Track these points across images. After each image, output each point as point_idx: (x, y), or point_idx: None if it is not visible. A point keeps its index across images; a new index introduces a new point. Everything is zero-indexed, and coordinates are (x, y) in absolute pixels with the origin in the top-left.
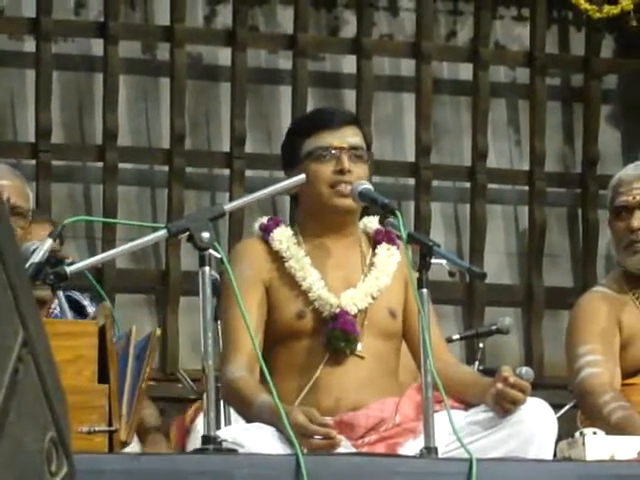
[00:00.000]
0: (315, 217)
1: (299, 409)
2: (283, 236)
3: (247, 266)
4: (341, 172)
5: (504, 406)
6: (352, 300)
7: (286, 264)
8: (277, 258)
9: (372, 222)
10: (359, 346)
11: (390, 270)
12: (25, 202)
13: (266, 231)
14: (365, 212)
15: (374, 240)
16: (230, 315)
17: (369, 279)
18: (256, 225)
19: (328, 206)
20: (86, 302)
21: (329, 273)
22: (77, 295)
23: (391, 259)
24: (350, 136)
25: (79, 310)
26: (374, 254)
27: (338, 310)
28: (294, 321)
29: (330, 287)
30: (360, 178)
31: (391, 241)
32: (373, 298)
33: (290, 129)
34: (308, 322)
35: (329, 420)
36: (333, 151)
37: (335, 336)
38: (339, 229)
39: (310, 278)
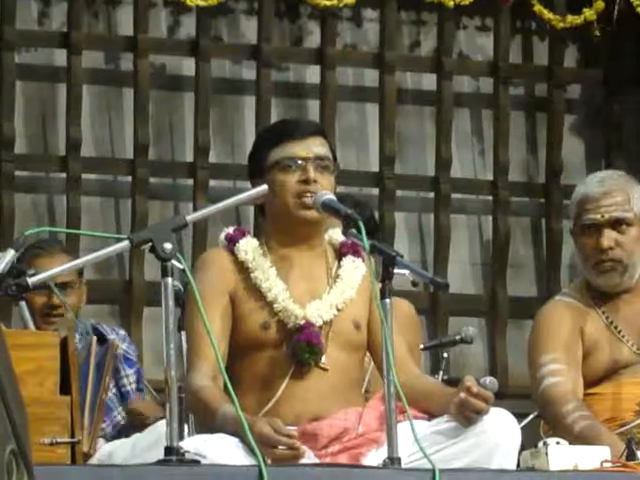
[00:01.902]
0: (281, 228)
1: (264, 419)
2: (249, 246)
3: (212, 276)
4: (306, 182)
5: (467, 416)
6: (317, 312)
7: (251, 275)
8: (243, 268)
9: (338, 234)
10: (323, 358)
11: (355, 283)
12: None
13: (232, 241)
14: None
15: (340, 252)
16: (194, 324)
17: (334, 291)
18: (222, 235)
19: (293, 217)
20: (112, 336)
21: (295, 284)
22: (104, 328)
23: (356, 271)
24: (316, 146)
25: (103, 342)
26: (339, 266)
27: (303, 322)
28: (259, 332)
29: (295, 298)
30: (325, 188)
31: (356, 253)
32: (338, 310)
33: (256, 139)
34: (273, 333)
35: (293, 430)
36: (299, 161)
37: (300, 348)
38: (304, 240)
39: (275, 289)
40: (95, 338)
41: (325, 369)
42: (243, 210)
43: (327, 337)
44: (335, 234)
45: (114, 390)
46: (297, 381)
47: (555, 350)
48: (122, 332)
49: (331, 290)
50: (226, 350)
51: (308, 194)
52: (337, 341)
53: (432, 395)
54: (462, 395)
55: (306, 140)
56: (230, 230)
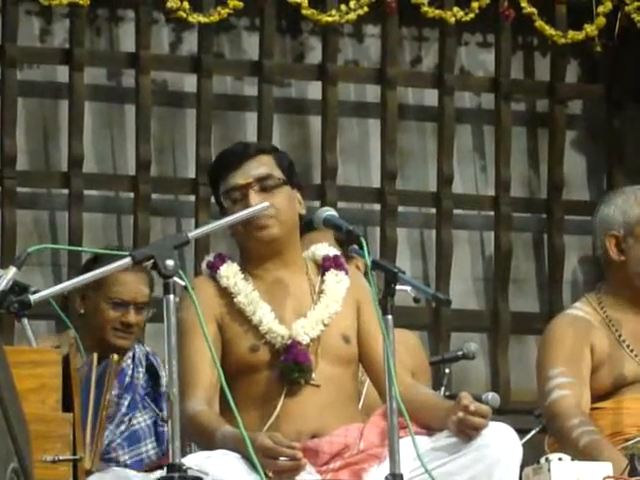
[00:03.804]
0: (249, 253)
1: (265, 433)
2: (230, 272)
3: (198, 304)
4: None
5: (467, 433)
6: (303, 329)
7: (235, 299)
8: (226, 294)
9: (320, 249)
10: (314, 375)
11: (339, 296)
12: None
13: (213, 268)
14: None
15: (322, 267)
16: (185, 353)
17: (319, 307)
18: (203, 264)
19: (253, 240)
20: (163, 373)
21: (279, 304)
22: (156, 360)
23: (340, 285)
24: (254, 169)
25: (154, 376)
26: (322, 281)
27: (290, 341)
28: (248, 355)
29: (281, 318)
30: (277, 206)
31: (339, 267)
32: (325, 325)
33: (208, 176)
34: (262, 355)
35: (295, 443)
36: (240, 190)
37: (288, 368)
38: (276, 258)
39: (260, 311)
40: (96, 355)
41: (317, 385)
42: None
43: (316, 353)
44: (317, 249)
45: (149, 422)
46: (292, 399)
47: (563, 364)
48: None
49: (316, 306)
50: (218, 376)
51: (256, 220)
52: (327, 356)
53: (429, 408)
54: (460, 414)
55: (244, 166)
56: (210, 257)
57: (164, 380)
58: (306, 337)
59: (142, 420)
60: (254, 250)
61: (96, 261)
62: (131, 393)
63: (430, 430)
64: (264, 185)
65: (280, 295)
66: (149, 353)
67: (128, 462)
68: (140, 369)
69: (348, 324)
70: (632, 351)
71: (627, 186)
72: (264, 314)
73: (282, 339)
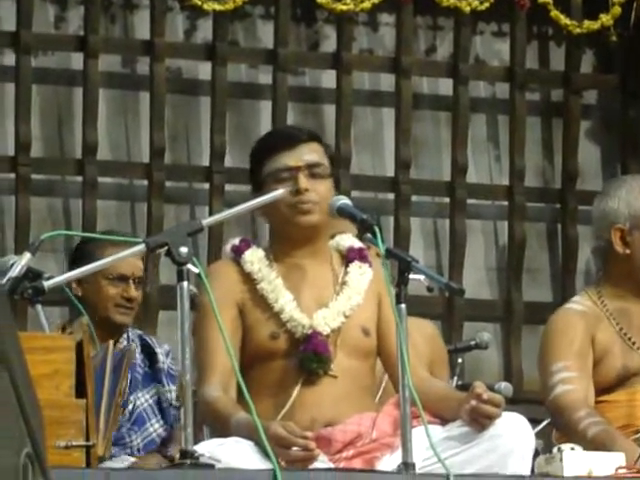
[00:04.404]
0: (282, 236)
1: (278, 422)
2: (254, 257)
3: (220, 288)
4: (298, 192)
5: (479, 422)
6: (324, 320)
7: (258, 286)
8: (249, 280)
9: (345, 240)
10: (332, 366)
11: (362, 289)
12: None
13: (237, 253)
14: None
15: (347, 258)
16: (204, 337)
17: (341, 298)
18: (227, 247)
19: (291, 224)
20: (159, 349)
21: (301, 293)
22: (152, 340)
23: (363, 277)
24: (306, 154)
25: (150, 355)
26: (346, 272)
27: (310, 331)
28: (268, 342)
29: (303, 307)
30: (321, 195)
31: (363, 259)
32: (346, 317)
33: (251, 152)
34: (282, 343)
35: (308, 433)
36: (290, 171)
37: (307, 358)
38: (307, 246)
39: (282, 299)
40: (112, 342)
41: (335, 376)
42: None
43: (335, 345)
44: (342, 240)
45: (150, 401)
46: (309, 388)
47: (566, 358)
48: (167, 347)
49: (338, 297)
50: (238, 360)
51: (301, 204)
52: (346, 348)
53: (443, 400)
54: (473, 402)
55: (297, 148)
56: (235, 241)
57: (160, 357)
58: (327, 328)
59: (144, 400)
60: (292, 234)
61: (86, 244)
62: (130, 373)
63: (443, 420)
64: (313, 172)
65: (303, 284)
66: (142, 334)
67: (140, 445)
68: (136, 349)
69: (368, 317)
70: (634, 343)
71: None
72: (286, 302)
73: (303, 328)
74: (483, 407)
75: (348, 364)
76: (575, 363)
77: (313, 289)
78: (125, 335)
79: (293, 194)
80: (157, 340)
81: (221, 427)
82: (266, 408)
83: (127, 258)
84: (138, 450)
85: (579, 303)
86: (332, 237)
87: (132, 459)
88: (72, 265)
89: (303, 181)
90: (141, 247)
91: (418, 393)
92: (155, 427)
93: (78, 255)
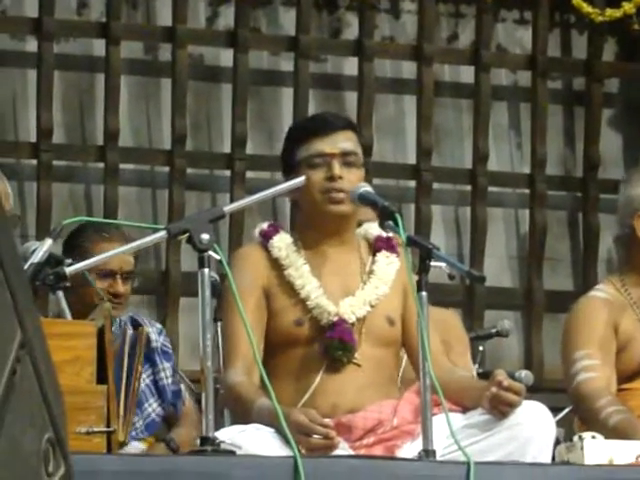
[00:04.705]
0: (312, 223)
1: (299, 409)
2: (282, 243)
3: (246, 272)
4: (332, 178)
5: (500, 409)
6: (350, 308)
7: (285, 272)
8: (276, 265)
9: (373, 229)
10: (357, 354)
11: (389, 278)
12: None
13: (266, 238)
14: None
15: (374, 247)
16: (230, 320)
17: (368, 287)
18: (256, 231)
19: (322, 212)
20: (150, 328)
21: (328, 281)
22: (142, 319)
23: (390, 267)
24: (342, 141)
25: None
26: (374, 261)
27: (336, 318)
28: (292, 328)
29: (329, 295)
30: (353, 183)
31: (391, 249)
32: (371, 306)
33: (286, 136)
34: (306, 330)
35: (328, 421)
36: (324, 158)
37: (332, 345)
38: (335, 235)
39: (309, 286)
40: (130, 328)
41: (359, 365)
42: (279, 202)
43: (360, 333)
44: (371, 229)
45: (147, 381)
46: (331, 376)
47: (589, 346)
48: (159, 325)
49: (365, 286)
50: (261, 346)
51: (334, 191)
52: (370, 337)
53: (464, 388)
54: (494, 390)
55: (333, 136)
56: (264, 226)
57: (152, 336)
58: (352, 316)
59: (141, 381)
60: (322, 223)
61: (80, 230)
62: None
63: (464, 409)
64: (347, 160)
65: (330, 272)
66: (131, 315)
67: (142, 427)
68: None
69: (394, 306)
70: None
71: None
72: (313, 289)
73: (328, 315)
74: (504, 395)
75: (372, 353)
76: (598, 351)
77: (340, 277)
78: (117, 320)
79: (327, 180)
80: (148, 319)
81: (242, 412)
82: (288, 394)
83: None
84: (141, 432)
85: (603, 291)
86: (359, 225)
87: (142, 446)
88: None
89: (337, 168)
90: (162, 234)
91: (440, 382)
92: (154, 407)
93: (70, 244)
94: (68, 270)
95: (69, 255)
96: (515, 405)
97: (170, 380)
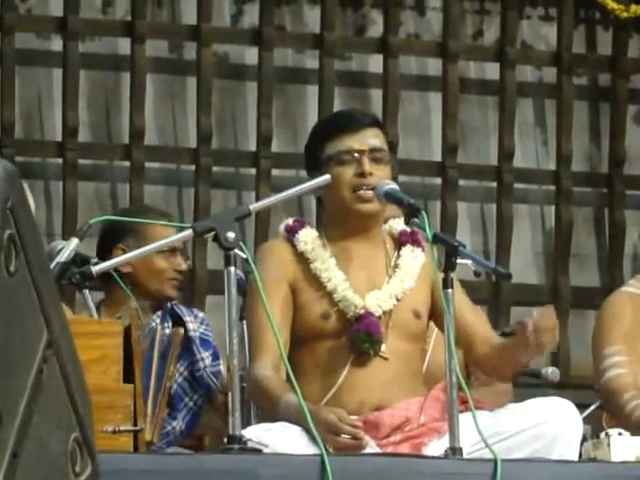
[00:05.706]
0: (339, 221)
1: (327, 408)
2: (308, 237)
3: (272, 266)
4: (362, 175)
5: (536, 341)
6: (376, 301)
7: (311, 265)
8: (302, 259)
9: (398, 223)
10: (383, 347)
11: (414, 272)
12: None
13: (291, 232)
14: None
15: (399, 242)
16: (256, 315)
17: (393, 281)
18: (282, 226)
19: (351, 210)
20: (188, 317)
21: (354, 274)
22: (181, 309)
23: (415, 261)
24: (371, 138)
25: (179, 324)
26: (399, 256)
27: (362, 311)
28: (319, 322)
29: (355, 288)
30: (382, 180)
31: (416, 243)
32: (397, 299)
33: (312, 132)
34: (333, 323)
35: (356, 420)
36: (354, 154)
37: (359, 338)
38: (363, 232)
39: (335, 279)
40: (159, 327)
41: (386, 358)
42: (305, 200)
43: (387, 327)
44: (395, 224)
45: (185, 374)
46: (358, 369)
47: (619, 342)
48: (201, 314)
49: (390, 280)
50: (287, 340)
51: (364, 187)
52: (397, 331)
53: (502, 349)
54: (529, 323)
55: (361, 132)
56: (290, 221)
57: (190, 325)
58: (379, 309)
59: (178, 375)
60: (349, 220)
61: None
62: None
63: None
64: (375, 156)
65: (356, 266)
66: (174, 305)
67: (184, 427)
68: (166, 324)
69: (420, 300)
70: None
71: None
72: (339, 282)
73: (355, 308)
74: (543, 323)
75: (398, 346)
76: (627, 347)
77: (365, 271)
78: (160, 310)
79: (356, 176)
80: (189, 309)
81: (269, 406)
82: (314, 389)
83: (169, 231)
84: (181, 433)
85: (632, 287)
86: (385, 222)
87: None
88: (106, 238)
89: (367, 164)
90: (189, 232)
91: (490, 358)
92: (194, 399)
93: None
94: (94, 269)
95: (122, 239)
96: (555, 327)
97: (208, 369)
